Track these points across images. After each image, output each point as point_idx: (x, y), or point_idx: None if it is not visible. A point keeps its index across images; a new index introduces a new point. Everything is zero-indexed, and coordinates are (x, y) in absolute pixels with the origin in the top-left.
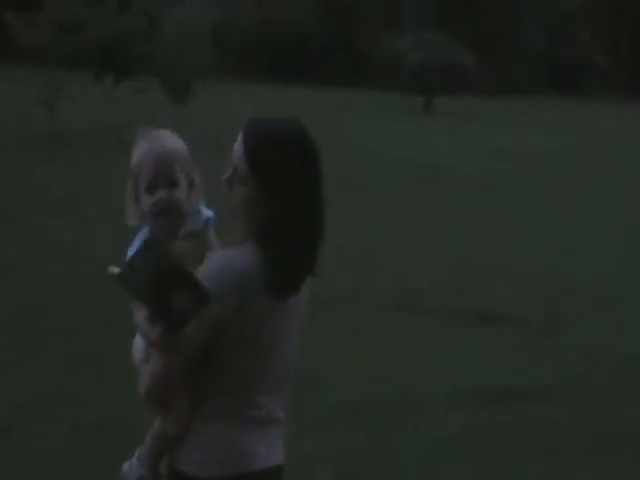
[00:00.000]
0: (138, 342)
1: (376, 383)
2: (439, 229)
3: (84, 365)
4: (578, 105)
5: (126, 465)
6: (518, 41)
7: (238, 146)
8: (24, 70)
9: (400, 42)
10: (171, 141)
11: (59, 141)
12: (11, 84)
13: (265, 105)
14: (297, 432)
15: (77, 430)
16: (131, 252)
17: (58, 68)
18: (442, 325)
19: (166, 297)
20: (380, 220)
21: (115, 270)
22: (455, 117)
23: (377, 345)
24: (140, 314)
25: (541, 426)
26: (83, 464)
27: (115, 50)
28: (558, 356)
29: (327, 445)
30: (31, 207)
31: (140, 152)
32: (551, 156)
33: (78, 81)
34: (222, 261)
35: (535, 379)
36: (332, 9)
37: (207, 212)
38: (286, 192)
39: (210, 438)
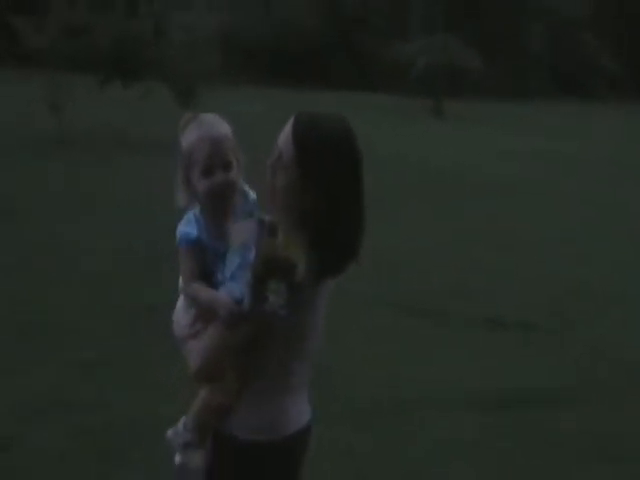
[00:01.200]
0: (183, 317)
1: (383, 385)
2: (447, 232)
3: (86, 369)
4: (584, 109)
5: (170, 431)
6: (525, 44)
7: (286, 133)
8: (31, 74)
9: (408, 46)
10: (221, 126)
11: (64, 143)
12: (18, 87)
13: (273, 109)
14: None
15: (79, 435)
16: (187, 229)
17: (65, 72)
18: (449, 328)
19: (263, 282)
20: (388, 223)
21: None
22: (464, 120)
23: (384, 348)
24: (201, 289)
25: (547, 429)
26: (85, 469)
27: (122, 54)
28: (565, 360)
29: (334, 445)
30: (32, 207)
31: (192, 137)
32: (557, 159)
33: (85, 85)
34: None
35: (542, 382)
36: (339, 13)
37: (251, 193)
38: (328, 182)
39: (253, 406)
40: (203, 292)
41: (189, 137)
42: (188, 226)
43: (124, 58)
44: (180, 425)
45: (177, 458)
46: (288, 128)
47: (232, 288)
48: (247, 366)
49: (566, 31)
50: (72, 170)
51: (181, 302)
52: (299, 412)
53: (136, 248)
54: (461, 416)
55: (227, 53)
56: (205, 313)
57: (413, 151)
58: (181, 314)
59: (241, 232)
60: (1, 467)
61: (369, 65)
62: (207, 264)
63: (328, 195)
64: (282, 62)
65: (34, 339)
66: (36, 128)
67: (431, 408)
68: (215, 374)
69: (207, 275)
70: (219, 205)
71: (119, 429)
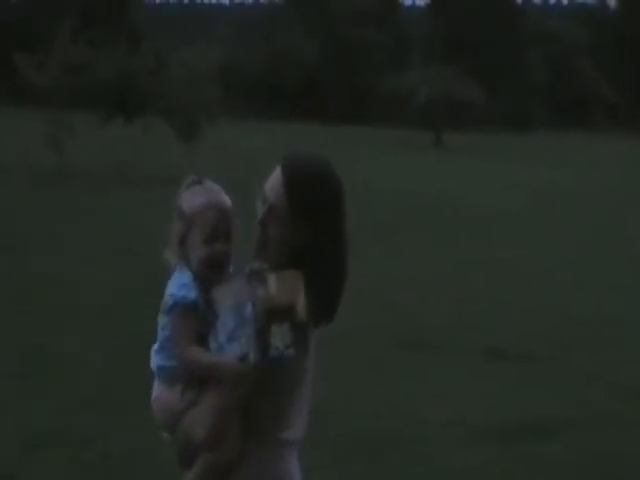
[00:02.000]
0: (167, 396)
1: (383, 417)
2: (445, 262)
3: (85, 401)
4: (584, 138)
5: None
6: (525, 76)
7: (273, 184)
8: (32, 110)
9: (407, 78)
10: (226, 197)
11: (64, 179)
12: (19, 124)
13: (272, 142)
14: (306, 464)
15: (79, 467)
16: (183, 293)
17: (66, 108)
18: (449, 360)
19: (266, 330)
20: (387, 255)
21: None
22: (464, 152)
23: (384, 379)
24: (201, 354)
25: (550, 461)
26: None
27: (123, 90)
28: (564, 388)
29: (336, 478)
30: (32, 242)
31: (199, 201)
32: (556, 189)
33: (86, 121)
34: None
35: (542, 413)
36: (339, 47)
37: (257, 263)
38: (321, 226)
39: (253, 463)
40: (203, 356)
41: (194, 200)
42: (184, 289)
43: (125, 94)
44: None
45: None
46: (275, 179)
47: (232, 349)
48: (252, 418)
49: (566, 60)
50: (71, 206)
51: (157, 386)
52: (297, 470)
53: (135, 281)
54: (462, 447)
55: (227, 87)
56: (211, 376)
57: (412, 183)
58: (163, 395)
59: (229, 293)
60: None
61: (368, 98)
62: (204, 328)
63: (323, 237)
64: (282, 95)
65: (34, 371)
66: (36, 164)
67: (431, 440)
68: (222, 438)
69: (200, 342)
70: (214, 275)
71: (118, 462)
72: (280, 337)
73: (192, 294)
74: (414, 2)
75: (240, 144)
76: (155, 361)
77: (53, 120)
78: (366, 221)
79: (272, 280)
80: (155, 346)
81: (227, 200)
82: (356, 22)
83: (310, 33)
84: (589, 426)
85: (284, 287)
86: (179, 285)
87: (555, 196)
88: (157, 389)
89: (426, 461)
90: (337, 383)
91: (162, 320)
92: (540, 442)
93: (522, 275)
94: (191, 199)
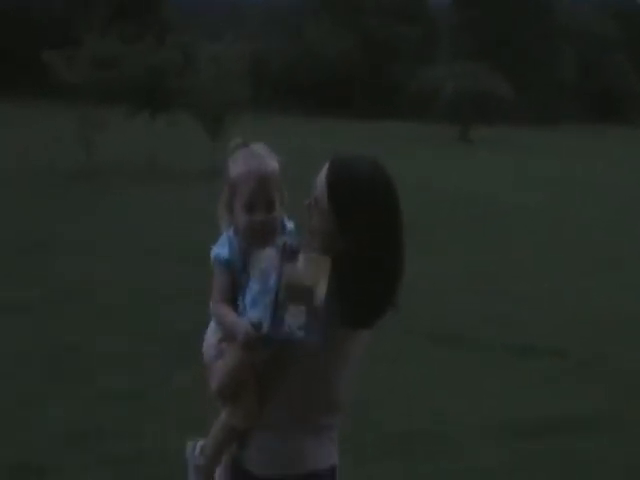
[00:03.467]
0: (210, 339)
1: (412, 415)
2: (476, 259)
3: (118, 400)
4: (615, 133)
5: (190, 447)
6: (554, 70)
7: (321, 178)
8: (62, 106)
9: (435, 73)
10: (270, 161)
11: (93, 176)
12: (49, 120)
13: (300, 138)
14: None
15: (113, 465)
16: (219, 250)
17: (96, 104)
18: (479, 357)
19: (283, 306)
20: (417, 251)
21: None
22: (491, 147)
23: (414, 377)
24: (226, 312)
25: (579, 459)
26: None
27: (151, 85)
28: (596, 388)
29: (360, 476)
30: (63, 242)
31: (241, 169)
32: (588, 185)
33: (115, 116)
34: None
35: (572, 411)
36: (367, 42)
37: (290, 224)
38: (363, 229)
39: (270, 441)
40: (227, 315)
41: (237, 168)
42: (221, 247)
43: (153, 89)
44: (198, 446)
45: (190, 477)
46: (323, 174)
47: (252, 314)
48: (267, 391)
49: (596, 54)
50: (102, 203)
51: (212, 322)
52: (320, 454)
53: (169, 277)
54: (493, 445)
55: (256, 83)
56: (229, 335)
57: (439, 178)
58: (210, 333)
59: (261, 259)
60: None
61: (396, 92)
62: (238, 287)
63: (363, 242)
64: (308, 91)
65: (66, 370)
66: (65, 161)
67: (462, 437)
68: (233, 394)
69: (237, 298)
70: (257, 242)
71: (151, 458)
72: (294, 317)
73: (225, 252)
74: None
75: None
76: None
77: (82, 116)
78: None
79: (301, 259)
80: None
81: (271, 166)
82: (384, 17)
83: (338, 28)
84: (617, 424)
85: (310, 269)
86: (219, 243)
87: (583, 191)
88: (211, 324)
89: (452, 458)
90: (365, 378)
91: None
92: (568, 439)
93: (550, 271)
94: (234, 165)
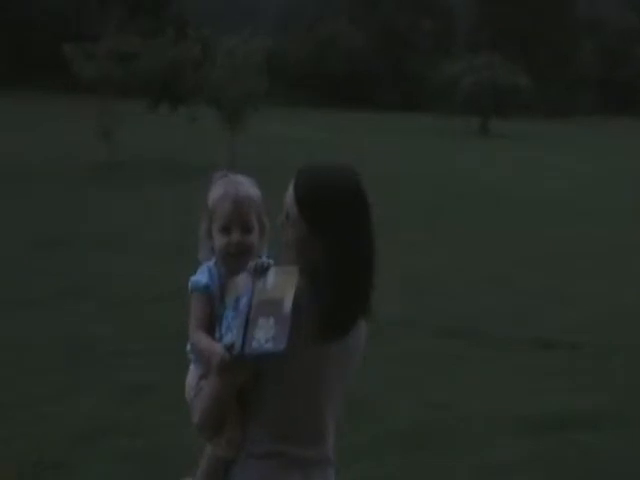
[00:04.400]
0: (190, 381)
1: (427, 409)
2: (491, 252)
3: (133, 396)
4: (637, 126)
5: None
6: (574, 62)
7: (290, 190)
8: (81, 100)
9: (454, 65)
10: (247, 187)
11: (114, 169)
12: (69, 114)
13: (319, 132)
14: (340, 458)
15: (128, 460)
16: (198, 277)
17: (115, 97)
18: (495, 351)
19: (254, 323)
20: (431, 243)
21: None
22: (510, 139)
23: (429, 371)
24: (202, 338)
25: (595, 453)
26: None
27: (170, 79)
28: (612, 383)
29: (374, 471)
30: (81, 237)
31: (217, 194)
32: (604, 178)
33: (134, 110)
34: None
35: (588, 406)
36: (385, 35)
37: (264, 258)
38: (333, 236)
39: (255, 474)
40: (202, 341)
41: (215, 192)
42: (200, 275)
43: (172, 82)
44: None
45: None
46: (291, 185)
47: (225, 339)
48: (249, 414)
49: (616, 46)
50: (119, 198)
51: (191, 365)
52: None
53: (187, 274)
54: (507, 439)
55: (273, 75)
56: (206, 368)
57: (457, 171)
58: (190, 376)
59: (235, 286)
60: None
61: (415, 85)
62: (217, 318)
63: (335, 247)
64: (327, 84)
65: (81, 365)
66: (86, 155)
67: (476, 431)
68: (214, 425)
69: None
70: (234, 265)
71: (167, 452)
72: (263, 330)
73: (204, 279)
74: None
75: (285, 133)
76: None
77: (102, 111)
78: (410, 209)
79: (271, 274)
80: None
81: (247, 191)
82: (403, 9)
83: (356, 21)
84: (634, 418)
85: (278, 280)
86: (197, 273)
87: (601, 184)
88: (189, 371)
89: (467, 453)
90: (380, 371)
91: None
92: (587, 433)
93: (566, 265)
94: (213, 192)
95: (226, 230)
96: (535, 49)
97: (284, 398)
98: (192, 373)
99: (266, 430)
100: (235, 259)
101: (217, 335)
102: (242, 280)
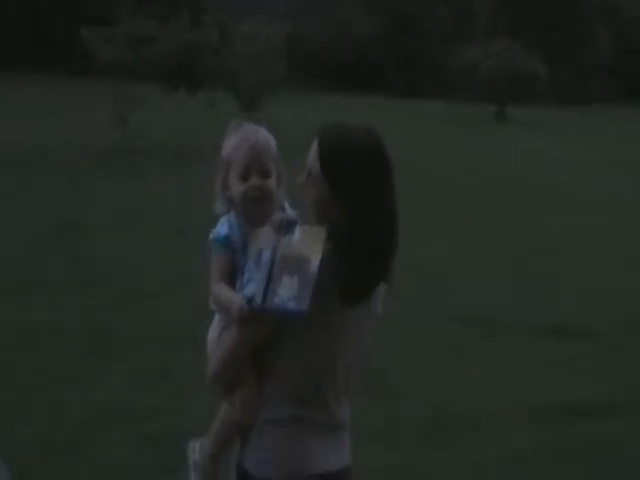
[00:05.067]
0: (211, 334)
1: (441, 397)
2: (508, 241)
3: (148, 380)
4: None
5: (191, 446)
6: (589, 49)
7: (313, 149)
8: (98, 84)
9: (471, 52)
10: (263, 134)
11: (129, 154)
12: (86, 98)
13: (334, 117)
14: (352, 443)
15: (143, 443)
16: (218, 229)
17: (132, 82)
18: (510, 339)
19: (277, 278)
20: (449, 232)
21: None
22: (526, 126)
23: (444, 359)
24: (222, 289)
25: (612, 442)
26: (149, 477)
27: (188, 63)
28: (626, 370)
29: (390, 459)
30: (97, 223)
31: (233, 142)
32: (620, 167)
33: (151, 94)
34: None
35: (604, 394)
36: (401, 19)
37: (291, 212)
38: (355, 196)
39: (271, 441)
40: (223, 292)
41: (230, 142)
42: (219, 226)
43: (189, 67)
44: (198, 444)
45: (190, 476)
46: (314, 145)
47: (246, 290)
48: (266, 373)
49: (631, 33)
50: (134, 182)
51: (215, 318)
52: (325, 455)
53: (199, 260)
54: (524, 427)
55: (288, 61)
56: (228, 319)
57: (474, 158)
58: (212, 329)
59: (258, 238)
60: (68, 474)
61: (431, 72)
62: (238, 270)
63: (357, 207)
64: (342, 70)
65: (98, 349)
66: (101, 140)
67: (494, 419)
68: (230, 379)
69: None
70: (254, 211)
71: (183, 436)
72: (287, 287)
73: (224, 230)
74: None
75: (302, 117)
76: None
77: (119, 94)
78: (426, 197)
79: (297, 232)
80: None
81: (263, 137)
82: None
83: (372, 7)
84: None
85: (305, 240)
86: (218, 224)
87: (617, 173)
88: (212, 324)
89: (484, 442)
90: (395, 359)
91: None
92: (602, 422)
93: (582, 254)
94: (228, 142)
95: (245, 176)
96: (550, 36)
97: (302, 359)
98: (215, 325)
99: (282, 392)
100: (255, 205)
101: (238, 285)
102: (266, 232)
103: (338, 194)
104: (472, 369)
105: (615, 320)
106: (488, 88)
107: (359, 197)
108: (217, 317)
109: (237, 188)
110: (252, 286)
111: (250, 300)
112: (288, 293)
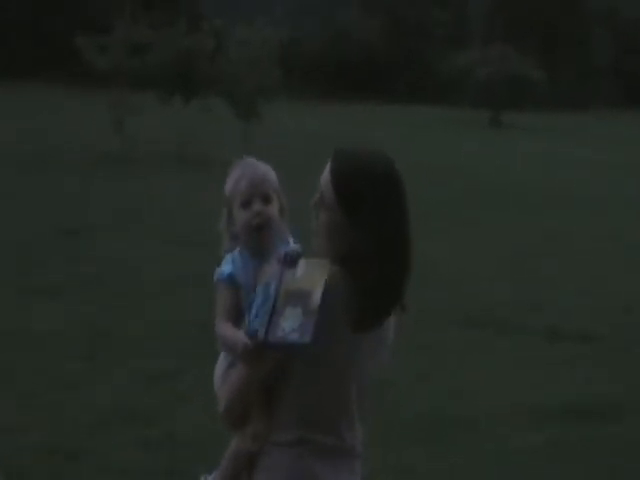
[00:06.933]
0: (218, 370)
1: (441, 398)
2: (506, 244)
3: (151, 383)
4: None
5: (201, 479)
6: (587, 53)
7: (326, 175)
8: (94, 91)
9: (467, 56)
10: (264, 167)
11: (127, 160)
12: (81, 105)
13: (332, 123)
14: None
15: (146, 448)
16: (222, 268)
17: (128, 89)
18: (510, 341)
19: (280, 311)
20: (448, 235)
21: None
22: (523, 131)
23: (444, 360)
24: (226, 328)
25: (611, 443)
26: None
27: (183, 70)
28: (626, 371)
29: (389, 461)
30: (97, 225)
31: (234, 177)
32: (617, 170)
33: (147, 101)
34: None
35: (604, 395)
36: (398, 25)
37: (295, 246)
38: (369, 222)
39: (278, 461)
40: (228, 331)
41: (232, 176)
42: (224, 264)
43: (185, 74)
44: (210, 477)
45: None
46: (327, 169)
47: (252, 325)
48: (275, 403)
49: (630, 36)
50: (133, 189)
51: (221, 355)
52: (334, 478)
53: (199, 264)
54: (524, 428)
55: (287, 67)
56: (231, 350)
57: (470, 162)
58: (218, 365)
59: (265, 273)
60: (67, 477)
61: (428, 77)
62: (244, 305)
63: (371, 233)
64: (341, 75)
65: (99, 353)
66: (99, 146)
67: (493, 420)
68: (241, 415)
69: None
70: (256, 239)
71: (188, 442)
72: (290, 320)
73: (228, 269)
74: None
75: (299, 125)
76: None
77: (115, 102)
78: (424, 201)
79: (301, 265)
80: None
81: (264, 169)
82: (416, 0)
83: (370, 12)
84: None
85: (308, 272)
86: (223, 262)
87: (615, 175)
88: (218, 360)
89: (483, 442)
90: (395, 360)
91: None
92: (602, 423)
93: (580, 255)
94: (229, 178)
95: (247, 204)
96: (548, 40)
97: (313, 384)
98: (220, 362)
99: (292, 416)
100: (258, 235)
101: (246, 321)
102: (271, 267)
103: (352, 221)
104: (471, 370)
105: (614, 322)
106: (485, 93)
107: (373, 223)
108: (222, 354)
109: (240, 218)
110: (257, 322)
111: (253, 335)
112: (291, 325)
